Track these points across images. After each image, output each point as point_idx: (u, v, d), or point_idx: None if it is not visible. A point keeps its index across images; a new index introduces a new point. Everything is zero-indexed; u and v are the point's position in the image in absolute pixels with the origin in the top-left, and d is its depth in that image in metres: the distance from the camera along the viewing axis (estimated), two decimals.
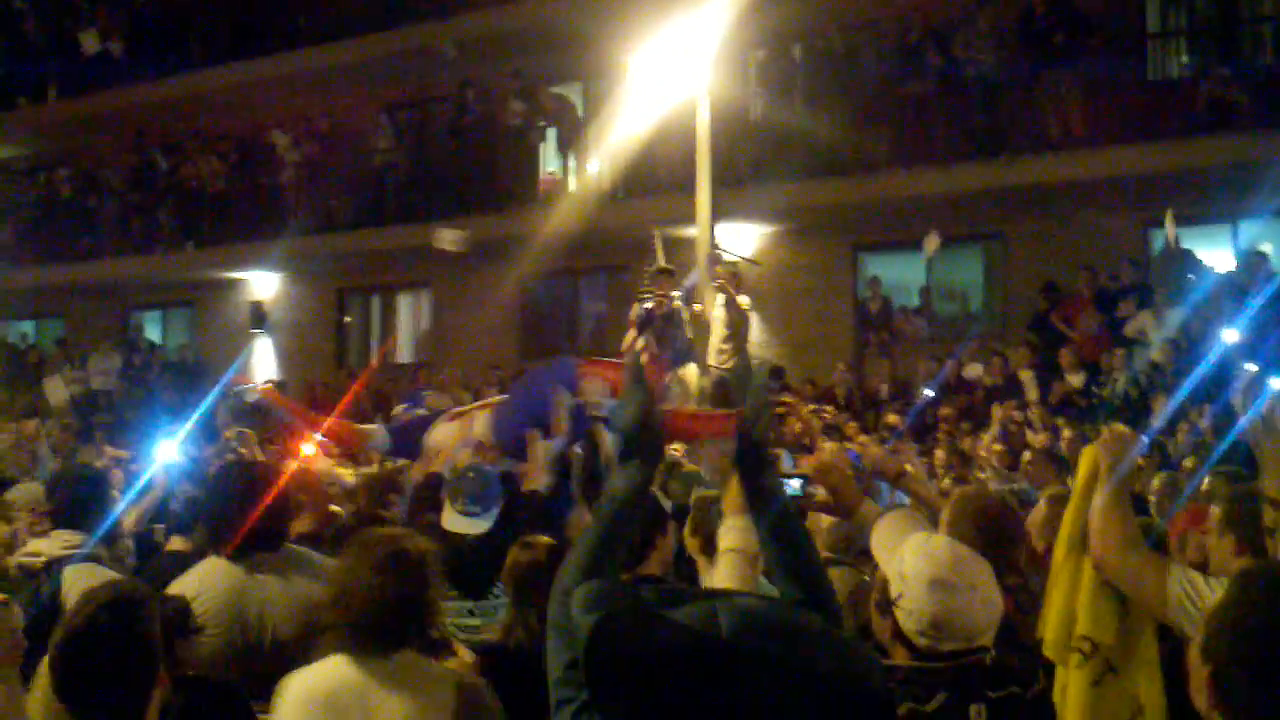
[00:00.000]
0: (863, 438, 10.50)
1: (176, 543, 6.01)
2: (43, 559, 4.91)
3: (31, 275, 23.20)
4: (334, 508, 7.00)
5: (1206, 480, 4.07)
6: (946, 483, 7.63)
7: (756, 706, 1.87)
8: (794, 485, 4.06)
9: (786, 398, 12.30)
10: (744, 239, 16.76)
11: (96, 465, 9.04)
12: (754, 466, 2.65)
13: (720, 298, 12.38)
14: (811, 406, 12.57)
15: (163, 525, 6.82)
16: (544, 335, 19.90)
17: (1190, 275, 13.80)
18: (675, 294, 12.19)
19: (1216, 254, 14.63)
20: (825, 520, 5.32)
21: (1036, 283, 15.19)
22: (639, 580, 4.34)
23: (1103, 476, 3.64)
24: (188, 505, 6.74)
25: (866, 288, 17.24)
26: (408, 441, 8.49)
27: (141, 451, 9.24)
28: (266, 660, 4.25)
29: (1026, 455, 8.93)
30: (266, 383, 12.35)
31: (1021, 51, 14.98)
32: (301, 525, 6.39)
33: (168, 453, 8.45)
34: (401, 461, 8.85)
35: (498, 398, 9.42)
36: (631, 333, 12.05)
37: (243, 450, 10.29)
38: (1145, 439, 4.32)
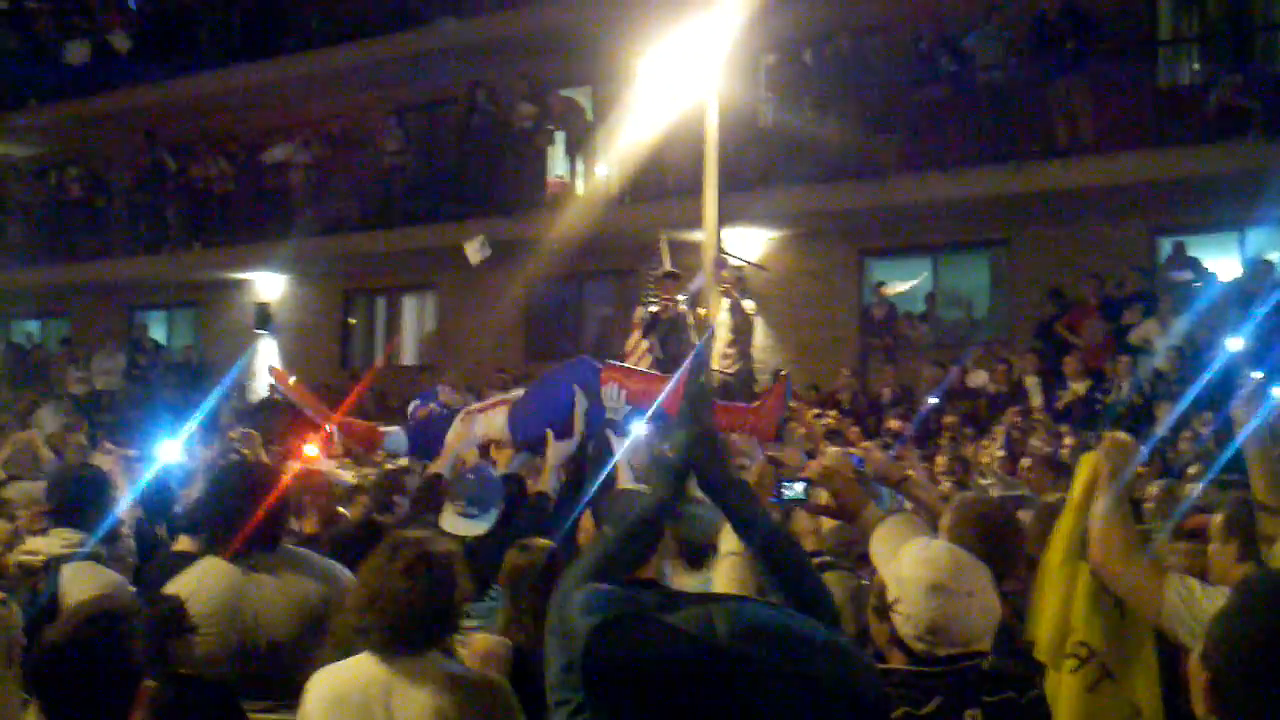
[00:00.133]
0: (865, 443, 10.47)
1: (184, 543, 6.00)
2: (42, 557, 4.90)
3: (38, 274, 23.25)
4: (341, 509, 7.01)
5: (1199, 488, 4.06)
6: (946, 487, 7.61)
7: (753, 711, 1.87)
8: (797, 489, 4.06)
9: (792, 403, 12.30)
10: (750, 244, 16.76)
11: (98, 464, 9.04)
12: (719, 495, 2.64)
13: (725, 302, 12.38)
14: (815, 411, 12.55)
15: (163, 525, 6.80)
16: (549, 338, 19.90)
17: (1195, 283, 13.78)
18: (680, 298, 12.19)
19: (1224, 262, 14.59)
20: (827, 523, 5.31)
21: (1042, 290, 15.17)
22: (637, 584, 4.33)
23: (1103, 483, 3.63)
24: (193, 506, 6.74)
25: (872, 293, 17.22)
26: (425, 441, 8.49)
27: (145, 451, 9.23)
28: (262, 660, 4.25)
29: (1026, 462, 8.91)
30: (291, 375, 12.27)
31: (1032, 57, 14.96)
32: (307, 527, 6.41)
33: (171, 453, 8.44)
34: (401, 461, 8.86)
35: (515, 393, 9.40)
36: (635, 336, 12.04)
37: (246, 451, 10.30)
38: (1145, 447, 4.32)
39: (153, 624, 3.72)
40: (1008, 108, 15.18)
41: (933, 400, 13.26)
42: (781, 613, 2.20)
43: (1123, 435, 3.87)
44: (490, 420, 8.44)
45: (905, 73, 16.16)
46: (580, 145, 18.03)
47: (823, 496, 4.05)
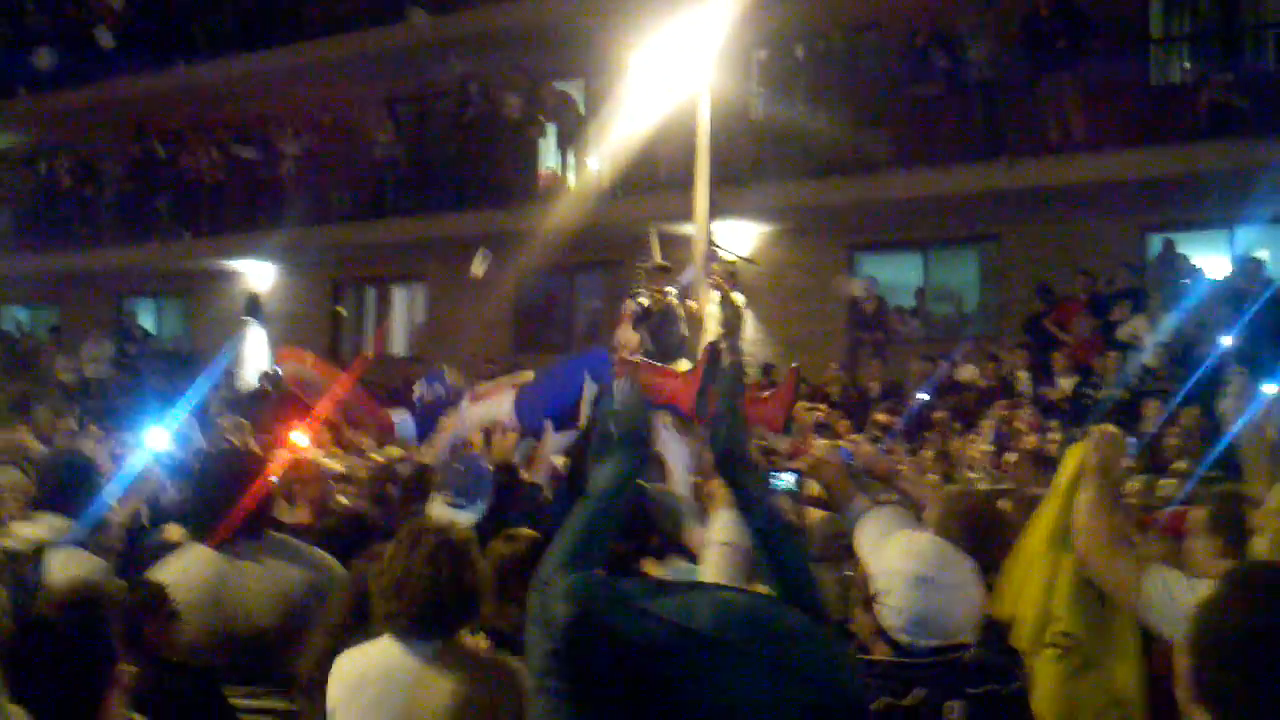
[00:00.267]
0: (855, 436, 10.48)
1: (173, 532, 5.99)
2: (28, 544, 4.89)
3: (27, 263, 23.18)
4: (341, 499, 6.99)
5: (1174, 484, 4.08)
6: (933, 481, 7.61)
7: (734, 700, 1.87)
8: (788, 480, 4.07)
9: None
10: (741, 237, 16.76)
11: (86, 450, 9.01)
12: (734, 472, 2.64)
13: (715, 295, 12.38)
14: (806, 404, 12.56)
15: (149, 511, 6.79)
16: (539, 330, 19.91)
17: (1184, 281, 13.81)
18: (671, 291, 12.18)
19: (1213, 259, 14.62)
20: (814, 515, 5.32)
21: (1032, 285, 15.19)
22: (620, 572, 4.34)
23: (1090, 475, 3.64)
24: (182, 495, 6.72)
25: (839, 285, 17.21)
26: (432, 426, 8.46)
27: (132, 439, 9.20)
28: (245, 648, 4.26)
29: (1011, 456, 8.92)
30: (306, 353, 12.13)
31: (1024, 54, 14.96)
32: (300, 516, 6.40)
33: (158, 442, 8.41)
34: (393, 452, 8.83)
35: (524, 376, 9.39)
36: (624, 328, 12.04)
37: (235, 439, 10.28)
38: (1134, 440, 4.34)
39: (132, 609, 3.73)
40: (999, 104, 15.19)
41: (923, 396, 13.27)
42: (764, 601, 2.20)
43: (1112, 428, 3.89)
44: (496, 405, 8.43)
45: (897, 69, 16.16)
46: (572, 138, 18.01)
47: (813, 487, 4.07)
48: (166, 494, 7.00)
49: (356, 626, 3.86)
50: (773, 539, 2.51)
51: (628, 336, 11.63)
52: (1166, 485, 7.08)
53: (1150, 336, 13.08)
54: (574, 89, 18.85)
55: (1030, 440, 9.79)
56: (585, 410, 7.73)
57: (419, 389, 9.72)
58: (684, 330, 12.28)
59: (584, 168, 17.77)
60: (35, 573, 4.73)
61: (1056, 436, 9.86)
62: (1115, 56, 14.84)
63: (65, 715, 3.07)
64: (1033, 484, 6.73)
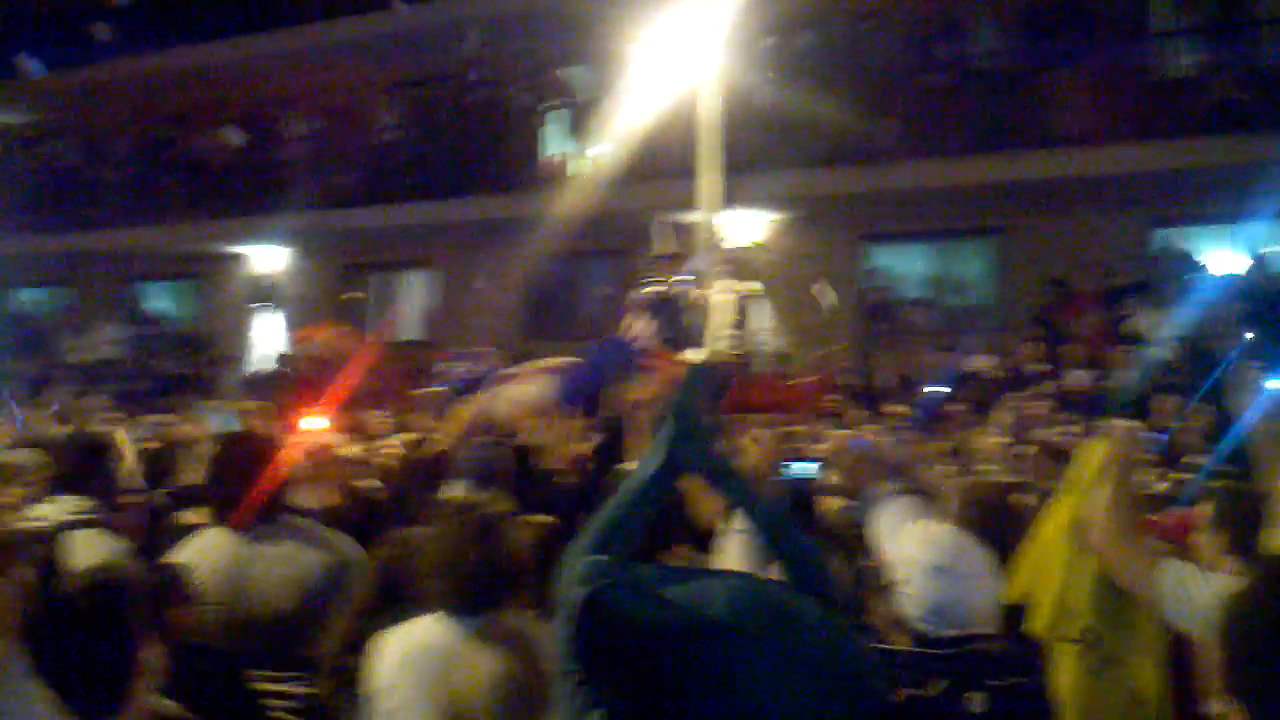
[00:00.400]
0: (869, 427, 10.49)
1: (194, 515, 6.01)
2: (47, 524, 4.92)
3: (38, 244, 23.18)
4: (368, 482, 7.02)
5: (1187, 478, 4.09)
6: (947, 472, 7.63)
7: (747, 685, 1.89)
8: (809, 469, 4.09)
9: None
10: (750, 226, 16.75)
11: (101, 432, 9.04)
12: (717, 480, 2.66)
13: (723, 284, 12.36)
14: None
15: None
16: (548, 317, 19.90)
17: (1192, 275, 13.79)
18: (679, 279, 12.17)
19: (1219, 254, 14.61)
20: (831, 504, 5.33)
21: (1040, 278, 15.17)
22: (640, 559, 4.35)
23: (1108, 471, 3.65)
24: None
25: (871, 278, 17.23)
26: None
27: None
28: (263, 631, 4.28)
29: (1027, 449, 8.92)
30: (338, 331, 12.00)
31: (1029, 47, 14.94)
32: (324, 499, 6.44)
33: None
34: (408, 436, 8.85)
35: (557, 361, 9.40)
36: (634, 317, 12.03)
37: (253, 421, 10.30)
38: (1157, 437, 4.37)
39: (152, 592, 3.76)
40: (1004, 96, 15.17)
41: (938, 388, 13.23)
42: (781, 590, 2.22)
43: (1131, 424, 3.90)
44: (530, 387, 8.45)
45: (904, 58, 16.14)
46: (578, 124, 17.99)
47: (834, 476, 4.10)
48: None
49: (382, 610, 3.89)
50: (778, 537, 2.53)
51: (638, 326, 11.62)
52: (1178, 480, 7.09)
53: (1157, 331, 13.07)
54: (580, 75, 18.82)
55: (1044, 433, 9.79)
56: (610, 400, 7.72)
57: (451, 367, 9.71)
58: (691, 319, 12.29)
59: (591, 154, 17.75)
60: (56, 554, 4.76)
61: (1069, 429, 9.86)
62: (1120, 49, 14.82)
63: (92, 696, 3.10)
64: (1047, 476, 6.75)
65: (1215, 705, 2.25)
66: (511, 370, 9.20)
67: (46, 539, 4.83)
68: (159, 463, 7.69)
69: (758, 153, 16.21)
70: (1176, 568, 3.41)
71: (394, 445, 8.29)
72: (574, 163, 18.17)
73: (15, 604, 3.34)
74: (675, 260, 12.14)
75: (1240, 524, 3.84)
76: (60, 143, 24.31)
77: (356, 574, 4.26)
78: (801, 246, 17.18)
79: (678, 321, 11.80)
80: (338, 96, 20.79)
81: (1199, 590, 3.23)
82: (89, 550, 4.62)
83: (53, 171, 23.88)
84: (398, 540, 4.14)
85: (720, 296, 12.39)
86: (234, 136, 21.04)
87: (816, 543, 2.63)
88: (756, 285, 12.36)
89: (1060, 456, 8.31)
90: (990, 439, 9.91)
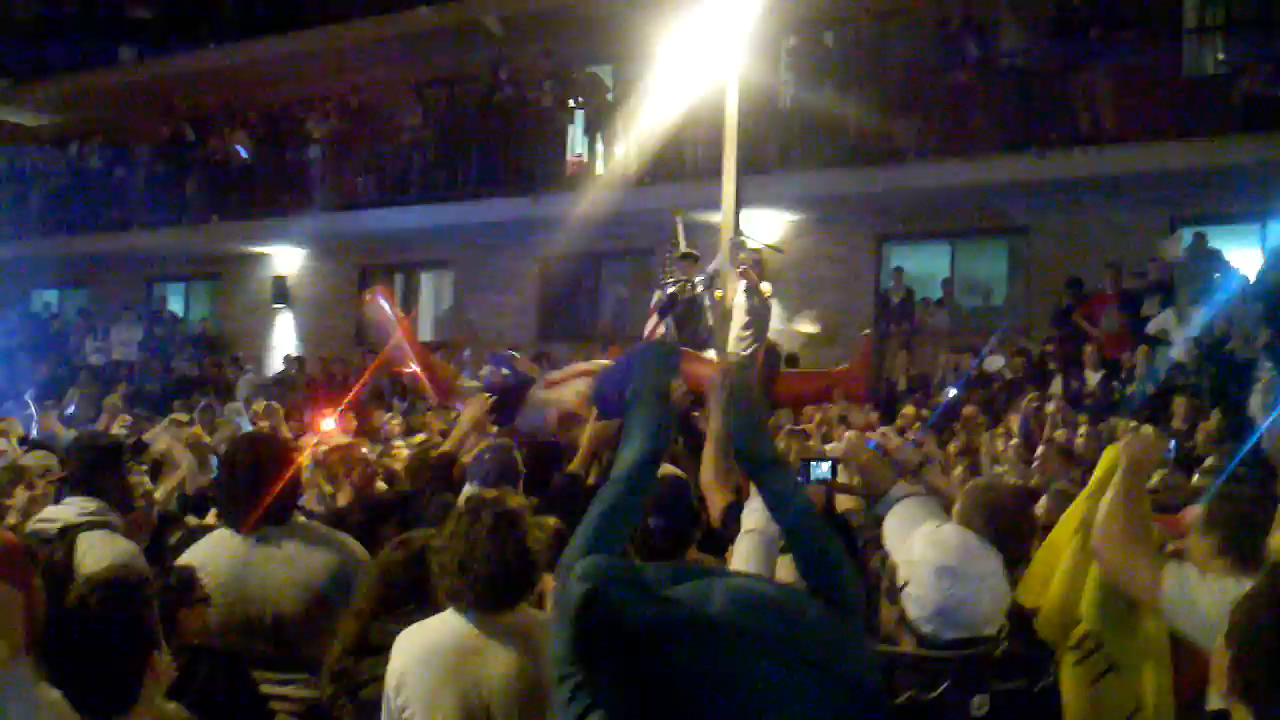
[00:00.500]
0: (883, 428, 10.49)
1: (209, 517, 6.03)
2: (57, 525, 4.92)
3: (57, 245, 23.32)
4: (381, 485, 7.05)
5: (1204, 481, 4.05)
6: (958, 473, 7.60)
7: (745, 685, 1.87)
8: (824, 469, 4.07)
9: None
10: (768, 226, 16.71)
11: (113, 433, 9.08)
12: (757, 472, 2.64)
13: (742, 284, 12.35)
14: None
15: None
16: (565, 317, 19.91)
17: (1214, 275, 13.70)
18: (698, 279, 12.16)
19: (1244, 253, 14.51)
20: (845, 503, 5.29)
21: (1061, 278, 15.10)
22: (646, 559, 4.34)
23: (1119, 475, 3.62)
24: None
25: (889, 278, 17.19)
26: (501, 410, 8.45)
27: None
28: (267, 634, 4.27)
29: (1041, 450, 8.89)
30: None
31: (1056, 44, 14.88)
32: (341, 498, 6.45)
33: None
34: (420, 438, 8.86)
35: (597, 363, 9.40)
36: (653, 319, 12.04)
37: (265, 423, 10.34)
38: (1173, 445, 4.32)
39: (164, 594, 3.75)
40: (1030, 94, 15.10)
41: (953, 390, 13.20)
42: (783, 591, 2.20)
43: (1149, 429, 3.87)
44: (563, 392, 8.44)
45: (927, 57, 16.09)
46: (600, 124, 18.00)
47: (852, 476, 4.07)
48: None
49: (383, 613, 3.88)
50: (803, 536, 2.51)
51: (655, 327, 11.64)
52: (1196, 482, 7.04)
53: (1179, 331, 12.99)
54: (603, 75, 18.84)
55: (1059, 434, 9.75)
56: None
57: (488, 373, 9.72)
58: (710, 320, 12.27)
59: (612, 155, 17.76)
60: (67, 556, 4.76)
61: (1085, 430, 9.82)
62: (1147, 47, 14.74)
63: (104, 700, 3.09)
64: (1061, 478, 6.71)
65: (1219, 707, 2.24)
66: (554, 375, 9.20)
67: (56, 541, 4.84)
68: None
69: (778, 153, 16.20)
70: (1180, 570, 3.38)
71: (401, 447, 8.31)
72: (595, 163, 18.17)
73: (22, 610, 3.34)
74: (692, 261, 12.15)
75: (1230, 526, 3.81)
76: (81, 144, 24.43)
77: (362, 576, 4.25)
78: (819, 247, 17.14)
79: (696, 321, 11.81)
80: (359, 98, 20.85)
81: (1202, 594, 3.20)
82: (98, 552, 4.61)
83: (73, 172, 24.00)
84: (399, 543, 4.13)
85: (738, 298, 12.40)
86: (244, 149, 21.08)
87: (839, 545, 2.61)
88: (767, 286, 12.35)
89: (1073, 458, 8.29)
90: (1003, 441, 9.87)
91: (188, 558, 4.46)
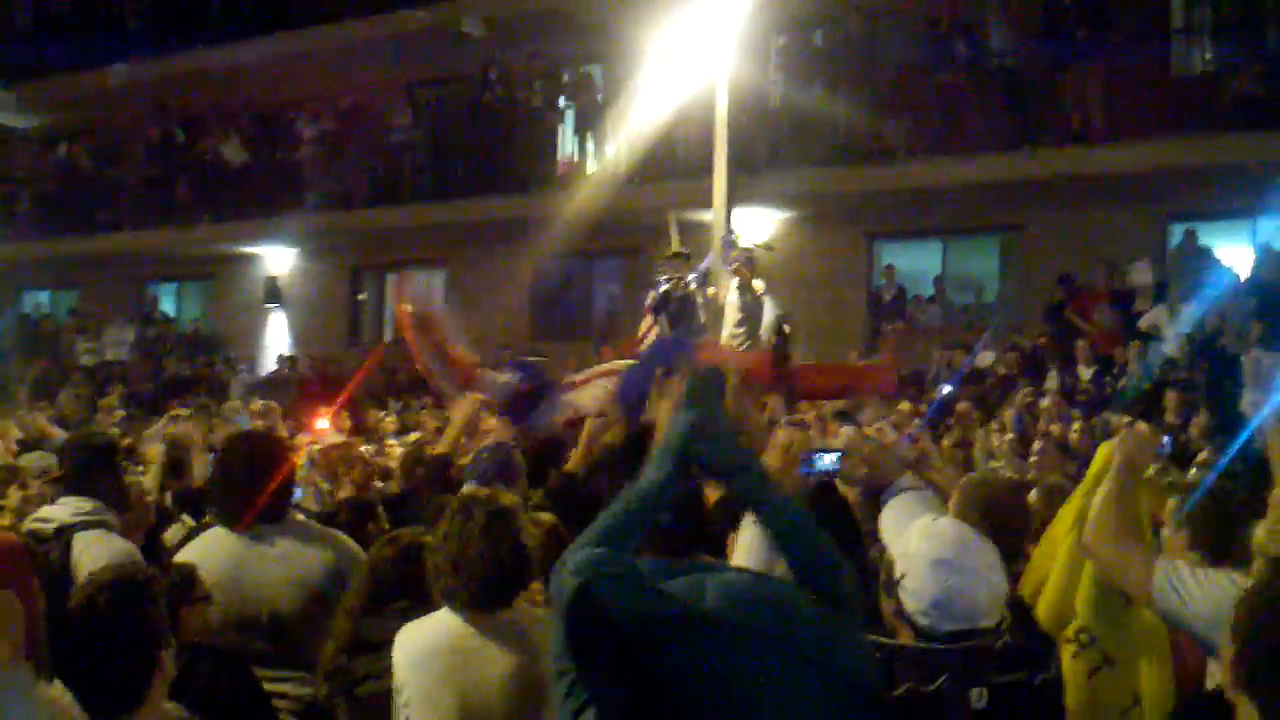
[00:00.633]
0: (878, 424, 10.50)
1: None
2: (53, 525, 4.91)
3: (48, 246, 23.28)
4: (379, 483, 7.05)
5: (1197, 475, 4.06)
6: (952, 469, 7.62)
7: (737, 678, 1.87)
8: (830, 460, 4.07)
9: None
10: (760, 224, 16.73)
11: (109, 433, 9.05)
12: (727, 480, 2.64)
13: (734, 283, 12.36)
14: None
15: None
16: (557, 317, 19.91)
17: (1206, 272, 13.74)
18: (690, 278, 12.17)
19: (1235, 250, 14.55)
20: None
21: (1052, 275, 15.14)
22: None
23: (1112, 470, 3.64)
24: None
25: (881, 276, 17.21)
26: (519, 410, 8.44)
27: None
28: (263, 632, 4.26)
29: (1037, 444, 8.92)
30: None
31: (1045, 43, 14.90)
32: (340, 495, 6.45)
33: None
34: (414, 436, 8.86)
35: (620, 364, 9.39)
36: (648, 319, 12.03)
37: (260, 423, 10.31)
38: (1167, 440, 4.33)
39: (168, 592, 3.75)
40: (1021, 93, 15.13)
41: (948, 387, 13.22)
42: (776, 585, 2.21)
43: (1144, 426, 3.88)
44: (587, 393, 8.44)
45: (918, 55, 16.11)
46: (591, 123, 18.00)
47: (858, 468, 4.08)
48: None
49: (375, 608, 3.89)
50: (784, 535, 2.51)
51: (649, 327, 11.63)
52: (1190, 477, 7.05)
53: (1171, 328, 13.02)
54: (593, 74, 18.84)
55: (1054, 429, 9.78)
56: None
57: (512, 379, 9.69)
58: (702, 318, 12.28)
59: (602, 154, 17.76)
60: (63, 556, 4.76)
61: (1078, 426, 9.85)
62: (1137, 45, 14.77)
63: (113, 699, 3.09)
64: (1056, 472, 6.73)
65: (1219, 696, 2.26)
66: (577, 376, 9.20)
67: (51, 541, 4.84)
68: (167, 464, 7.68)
69: (768, 151, 16.21)
70: (1172, 563, 3.39)
71: (394, 445, 8.32)
72: (585, 163, 18.17)
73: (19, 611, 3.32)
74: (684, 259, 12.15)
75: (1198, 523, 3.84)
76: (73, 145, 24.37)
77: (358, 573, 4.25)
78: (811, 245, 17.15)
79: (689, 319, 11.81)
80: (351, 97, 20.82)
81: (1193, 586, 3.21)
82: (94, 552, 4.61)
83: (65, 173, 23.95)
84: (388, 540, 4.14)
85: (730, 296, 12.42)
86: (236, 153, 21.07)
87: (830, 540, 2.61)
88: (760, 284, 12.36)
89: (1068, 452, 8.31)
90: (997, 436, 9.89)
91: (183, 556, 4.46)
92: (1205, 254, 14.24)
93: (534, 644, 3.53)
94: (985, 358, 14.39)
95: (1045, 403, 11.40)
